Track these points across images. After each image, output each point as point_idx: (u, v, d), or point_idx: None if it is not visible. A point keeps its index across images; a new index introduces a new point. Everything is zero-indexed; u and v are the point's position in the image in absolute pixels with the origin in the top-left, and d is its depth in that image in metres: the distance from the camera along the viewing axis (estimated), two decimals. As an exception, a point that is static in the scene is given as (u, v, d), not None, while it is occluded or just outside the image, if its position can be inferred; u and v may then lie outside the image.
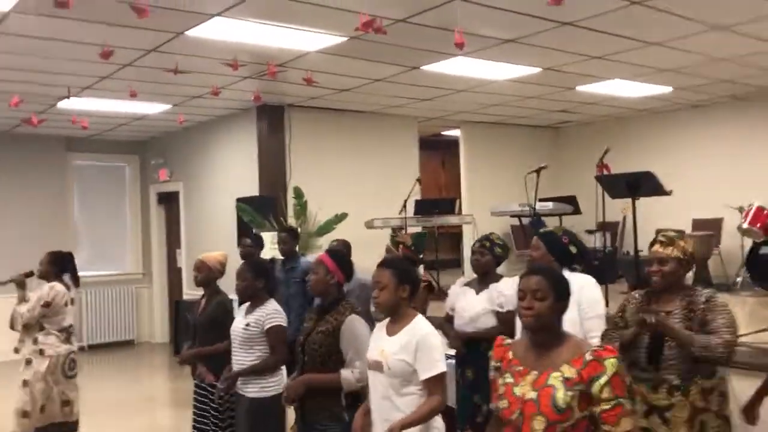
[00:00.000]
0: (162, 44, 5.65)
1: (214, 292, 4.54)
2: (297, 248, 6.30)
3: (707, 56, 6.83)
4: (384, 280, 2.99)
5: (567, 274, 2.94)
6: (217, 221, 9.39)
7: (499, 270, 4.39)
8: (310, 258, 5.61)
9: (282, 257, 6.22)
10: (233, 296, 4.37)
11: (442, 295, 7.54)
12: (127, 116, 8.97)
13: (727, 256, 8.74)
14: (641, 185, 6.32)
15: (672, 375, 3.01)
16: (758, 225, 7.83)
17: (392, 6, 4.93)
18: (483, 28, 5.58)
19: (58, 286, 5.10)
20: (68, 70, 6.39)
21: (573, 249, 3.66)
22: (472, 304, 4.22)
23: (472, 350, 4.17)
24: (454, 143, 11.31)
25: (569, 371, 2.25)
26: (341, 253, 3.80)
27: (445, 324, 4.38)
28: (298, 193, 8.08)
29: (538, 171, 7.75)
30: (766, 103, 9.10)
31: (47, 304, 5.01)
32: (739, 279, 7.99)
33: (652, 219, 7.92)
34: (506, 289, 4.07)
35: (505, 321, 4.01)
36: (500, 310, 4.09)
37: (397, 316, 3.01)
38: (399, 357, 2.89)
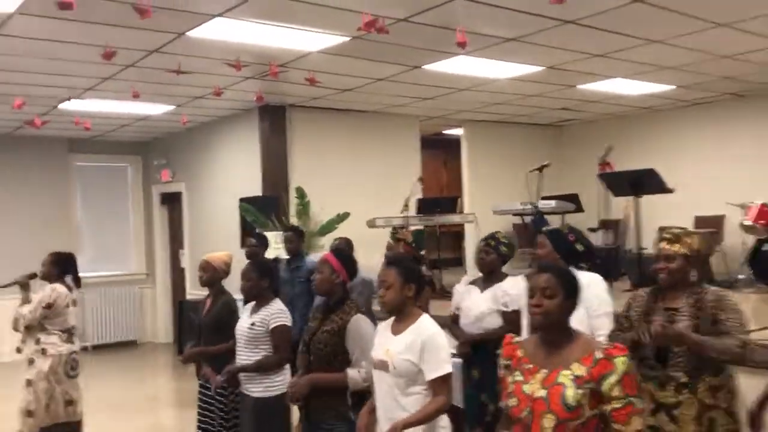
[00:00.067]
0: (164, 45, 5.66)
1: (219, 292, 4.54)
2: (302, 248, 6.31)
3: (709, 53, 6.82)
4: (390, 279, 2.99)
5: (573, 272, 2.94)
6: (219, 221, 9.40)
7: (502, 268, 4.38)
8: (315, 257, 5.62)
9: (287, 257, 6.22)
10: (238, 296, 4.38)
11: (444, 293, 7.59)
12: (129, 117, 8.99)
13: (730, 253, 8.73)
14: (644, 183, 6.34)
15: (679, 372, 2.99)
16: (761, 222, 7.83)
17: (394, 5, 4.93)
18: (485, 27, 5.58)
19: (59, 288, 5.10)
20: (71, 71, 6.40)
21: (579, 247, 3.66)
22: (477, 303, 4.22)
23: (478, 350, 4.17)
24: (455, 142, 11.31)
25: (579, 369, 2.25)
26: (346, 252, 3.80)
27: (453, 326, 4.38)
28: (301, 193, 8.10)
29: (540, 169, 7.76)
30: (769, 100, 9.10)
31: (49, 306, 5.02)
32: (741, 276, 7.98)
33: (654, 217, 7.91)
34: (511, 289, 4.07)
35: (510, 320, 4.01)
36: (505, 309, 4.09)
37: (402, 315, 3.01)
38: (404, 357, 2.89)
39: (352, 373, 3.33)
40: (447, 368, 2.89)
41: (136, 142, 11.18)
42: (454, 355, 3.44)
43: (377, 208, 8.41)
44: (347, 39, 5.68)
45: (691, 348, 2.97)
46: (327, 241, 7.12)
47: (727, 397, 3.02)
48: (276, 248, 6.78)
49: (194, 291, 9.71)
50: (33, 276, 5.31)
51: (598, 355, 2.25)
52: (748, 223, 7.96)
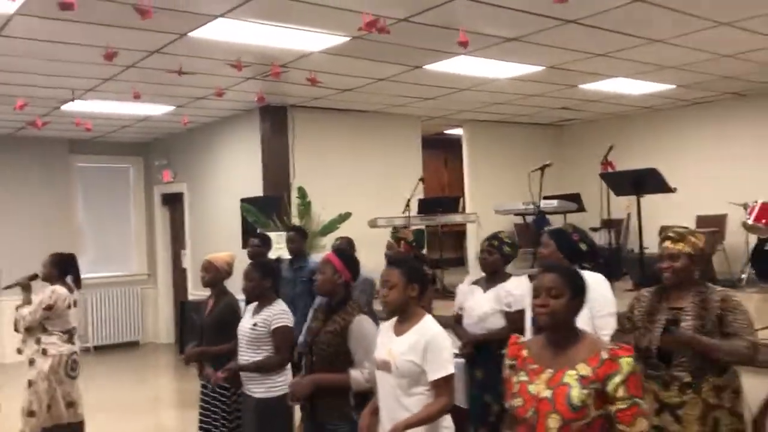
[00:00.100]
0: (165, 45, 5.66)
1: (222, 292, 4.54)
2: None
3: (710, 53, 6.81)
4: (393, 278, 2.98)
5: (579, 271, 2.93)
6: (221, 222, 9.40)
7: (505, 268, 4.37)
8: (319, 258, 5.61)
9: (290, 257, 6.21)
10: (240, 297, 4.38)
11: (446, 293, 7.58)
12: (130, 118, 8.99)
13: (732, 253, 8.72)
14: (646, 182, 6.33)
15: (683, 372, 2.98)
16: (764, 221, 7.82)
17: (394, 5, 4.93)
18: (486, 27, 5.58)
19: (60, 289, 5.10)
20: (72, 72, 6.40)
21: (583, 246, 3.65)
22: (480, 304, 4.21)
23: (481, 351, 4.17)
24: (456, 142, 11.31)
25: (585, 369, 2.24)
26: (348, 252, 3.79)
27: (456, 326, 4.37)
28: (302, 193, 8.09)
29: (542, 169, 7.75)
30: (770, 99, 9.09)
31: (49, 308, 5.02)
32: (744, 275, 7.97)
33: (656, 216, 7.91)
34: (514, 289, 4.06)
35: (513, 320, 4.00)
36: (508, 309, 4.08)
37: (405, 316, 3.00)
38: (407, 357, 2.88)
39: (354, 373, 3.32)
40: (449, 369, 2.88)
41: (138, 143, 11.18)
42: (457, 356, 3.43)
43: (378, 208, 8.41)
44: (348, 39, 5.68)
45: (702, 351, 2.95)
46: (328, 241, 7.12)
47: (731, 396, 3.01)
48: (278, 248, 6.78)
49: (196, 291, 9.71)
50: (34, 277, 5.32)
51: (604, 355, 2.24)
52: (750, 222, 7.95)
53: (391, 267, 3.04)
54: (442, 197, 10.48)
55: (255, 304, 4.04)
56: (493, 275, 4.24)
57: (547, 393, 2.28)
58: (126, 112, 8.52)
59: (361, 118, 9.20)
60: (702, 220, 9.12)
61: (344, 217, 7.92)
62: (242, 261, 4.82)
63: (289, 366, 4.05)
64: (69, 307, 5.14)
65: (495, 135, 10.83)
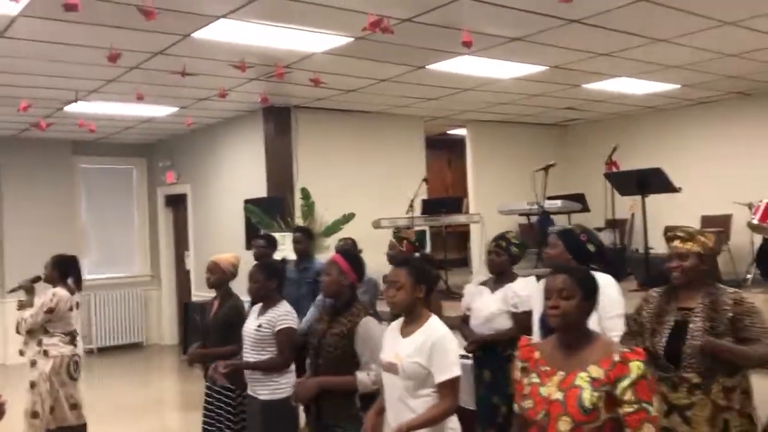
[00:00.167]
0: (169, 47, 5.66)
1: (227, 294, 4.53)
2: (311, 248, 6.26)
3: (715, 52, 6.79)
4: (401, 279, 2.96)
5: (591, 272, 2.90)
6: (224, 223, 9.40)
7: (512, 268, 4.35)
8: (324, 259, 5.59)
9: (295, 257, 6.18)
10: (245, 298, 4.37)
11: (450, 294, 7.57)
12: (134, 119, 8.99)
13: (737, 253, 8.69)
14: (651, 182, 6.30)
15: (692, 373, 2.96)
16: (768, 221, 7.78)
17: (398, 5, 4.92)
18: (489, 27, 5.57)
19: (61, 292, 5.10)
20: (76, 73, 6.40)
21: (591, 247, 3.62)
22: (487, 304, 4.19)
23: (488, 352, 4.15)
24: (460, 142, 11.29)
25: (596, 372, 2.22)
26: (354, 254, 3.77)
27: (463, 326, 4.36)
28: (306, 194, 8.08)
29: (546, 169, 7.73)
30: (775, 99, 9.06)
31: (50, 310, 5.02)
32: (749, 276, 7.94)
33: (660, 216, 7.88)
34: (521, 290, 4.04)
35: (520, 321, 3.98)
36: (515, 310, 4.06)
37: (412, 317, 2.98)
38: (413, 359, 2.86)
39: (361, 376, 3.30)
40: (455, 371, 2.86)
41: (141, 144, 11.19)
42: (462, 357, 3.41)
43: (382, 208, 8.39)
44: (351, 40, 5.67)
45: (734, 360, 2.93)
46: (332, 242, 7.11)
47: (741, 398, 2.97)
48: (283, 249, 6.75)
49: (199, 293, 9.70)
50: (37, 279, 5.32)
51: (616, 358, 2.22)
52: (755, 222, 7.92)
53: (399, 267, 3.01)
54: (445, 198, 10.45)
55: (260, 305, 4.03)
56: (501, 276, 4.21)
57: (558, 395, 2.26)
58: (129, 114, 8.52)
59: (364, 119, 9.20)
60: (707, 220, 9.08)
61: (348, 218, 7.91)
62: (247, 262, 4.81)
63: (293, 367, 4.04)
64: (71, 309, 5.14)
65: (498, 135, 10.81)
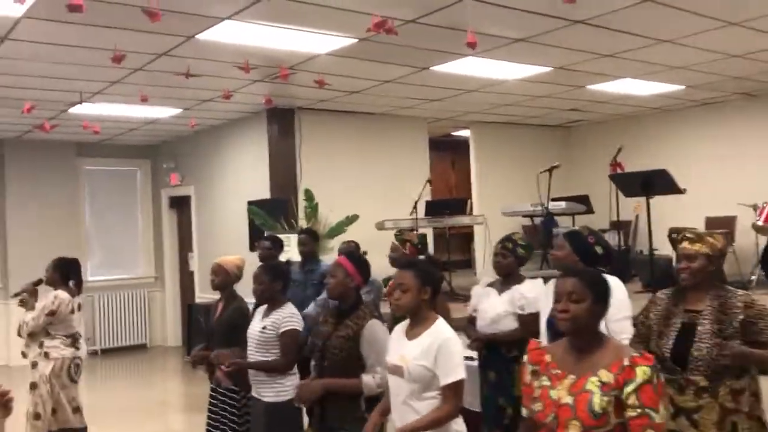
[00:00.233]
0: (173, 48, 5.66)
1: (231, 296, 4.52)
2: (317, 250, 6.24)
3: (720, 53, 6.78)
4: (407, 281, 2.94)
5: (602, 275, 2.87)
6: (228, 224, 9.40)
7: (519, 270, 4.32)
8: (329, 260, 5.57)
9: (299, 259, 6.16)
10: (249, 300, 4.36)
11: (454, 296, 7.56)
12: (138, 121, 9.00)
13: (742, 254, 8.66)
14: (655, 183, 6.28)
15: (699, 376, 2.94)
16: (773, 222, 7.77)
17: (401, 7, 4.91)
18: (493, 28, 5.56)
19: (62, 295, 5.10)
20: (80, 75, 6.41)
21: (599, 249, 3.59)
22: (493, 306, 4.18)
23: (493, 352, 4.14)
24: (463, 144, 11.29)
25: (607, 376, 2.20)
26: (359, 256, 3.76)
27: (468, 326, 4.35)
28: (309, 196, 8.08)
29: (550, 170, 7.72)
30: (780, 100, 9.04)
31: (52, 313, 5.02)
32: (753, 277, 7.92)
33: (665, 217, 7.85)
34: (528, 292, 4.02)
35: (526, 323, 3.97)
36: (521, 312, 4.04)
37: (417, 319, 2.97)
38: (419, 362, 2.84)
39: (366, 378, 3.29)
40: (460, 374, 2.84)
41: (145, 146, 11.20)
42: (467, 358, 3.39)
43: (386, 210, 8.40)
44: (355, 41, 5.67)
45: (756, 364, 2.91)
46: (336, 243, 7.10)
47: (749, 400, 2.95)
48: (288, 250, 6.73)
49: (203, 294, 9.71)
50: (39, 282, 5.32)
51: (626, 362, 2.19)
52: (760, 223, 7.90)
53: (405, 270, 3.00)
54: (449, 199, 10.45)
55: (265, 306, 4.02)
56: (508, 278, 4.19)
57: (568, 399, 2.23)
58: (133, 115, 8.53)
59: (368, 120, 9.19)
60: (711, 222, 9.06)
61: (351, 220, 7.90)
62: (251, 263, 4.80)
63: (296, 369, 4.03)
64: (72, 311, 5.14)
65: (502, 136, 10.80)
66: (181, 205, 10.96)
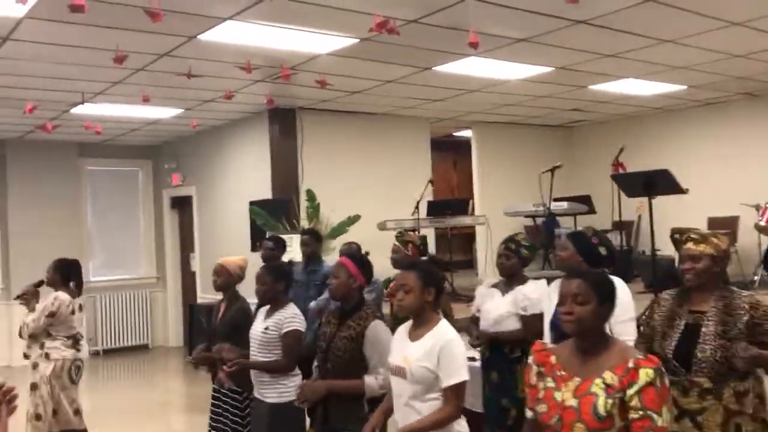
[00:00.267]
0: (174, 48, 5.66)
1: (234, 297, 4.51)
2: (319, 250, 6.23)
3: (722, 53, 6.76)
4: (410, 282, 2.92)
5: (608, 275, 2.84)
6: (230, 225, 9.40)
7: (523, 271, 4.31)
8: (331, 261, 5.56)
9: (301, 260, 6.15)
10: (252, 300, 4.35)
11: (455, 296, 7.55)
12: (140, 121, 9.00)
13: (744, 255, 8.65)
14: (657, 184, 6.25)
15: (703, 378, 2.92)
16: (776, 223, 7.76)
17: (403, 7, 4.91)
18: (495, 28, 5.55)
19: (62, 296, 5.09)
20: (81, 75, 6.41)
21: (603, 251, 3.57)
22: (496, 306, 4.17)
23: (496, 353, 4.13)
24: (465, 144, 11.28)
25: (611, 378, 2.18)
26: (362, 256, 3.75)
27: (471, 325, 4.34)
28: (311, 196, 8.08)
29: (552, 170, 7.71)
30: (782, 100, 9.02)
31: (52, 314, 5.01)
32: (756, 277, 7.91)
33: (667, 218, 7.83)
34: (531, 293, 4.01)
35: (528, 324, 3.96)
36: (524, 313, 4.03)
37: (420, 320, 2.96)
38: (422, 364, 2.84)
39: (369, 380, 3.28)
40: (462, 376, 2.83)
41: (147, 146, 11.21)
42: (470, 359, 3.38)
43: (387, 210, 8.39)
44: (357, 41, 5.66)
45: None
46: (338, 244, 7.10)
47: (753, 402, 2.93)
48: (290, 251, 6.72)
49: (205, 295, 9.71)
50: (40, 284, 5.32)
51: (630, 364, 2.17)
52: (763, 223, 7.89)
53: (408, 271, 2.98)
54: (451, 199, 10.45)
55: (267, 307, 4.01)
56: (512, 279, 4.17)
57: (573, 402, 2.21)
58: (135, 115, 8.53)
59: (369, 121, 9.19)
60: (714, 222, 9.05)
61: (353, 220, 7.90)
62: (253, 264, 4.80)
63: (299, 370, 4.02)
64: (72, 312, 5.12)
65: (504, 137, 10.79)
66: (182, 205, 10.96)
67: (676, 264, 3.27)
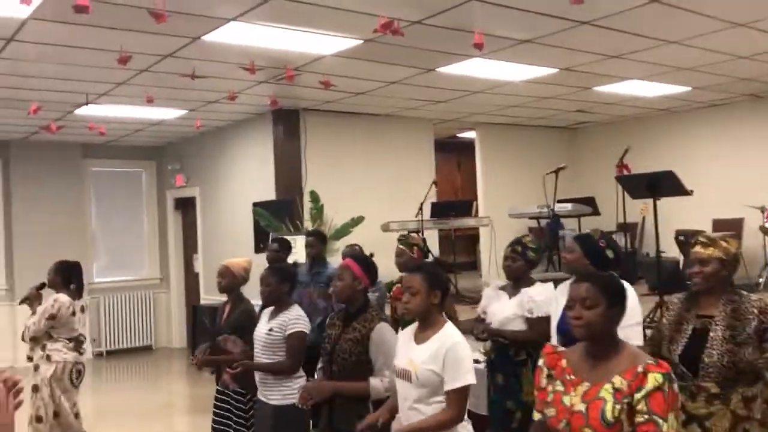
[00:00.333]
0: (178, 49, 5.66)
1: (238, 298, 4.51)
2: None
3: (727, 54, 6.74)
4: (415, 285, 2.90)
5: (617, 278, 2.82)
6: (233, 226, 9.40)
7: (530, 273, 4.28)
8: (335, 263, 5.53)
9: (304, 261, 6.13)
10: (255, 301, 4.34)
11: (459, 298, 7.54)
12: (143, 122, 9.01)
13: (749, 257, 8.61)
14: (662, 185, 6.24)
15: (710, 383, 2.89)
16: (781, 224, 7.73)
17: (407, 8, 4.90)
18: (499, 29, 5.54)
19: (62, 298, 5.08)
20: (86, 76, 6.41)
21: (609, 253, 3.55)
22: (502, 309, 4.14)
23: (501, 355, 4.11)
24: (469, 145, 11.27)
25: (620, 383, 2.16)
26: (366, 258, 3.74)
27: (476, 324, 4.32)
28: (315, 197, 8.07)
29: (556, 172, 7.69)
30: (787, 101, 9.00)
31: (52, 317, 5.01)
32: (761, 279, 7.89)
33: (672, 219, 7.83)
34: (537, 295, 3.99)
35: (534, 326, 3.94)
36: (529, 315, 4.01)
37: (426, 323, 2.94)
38: (427, 367, 2.82)
39: (374, 382, 3.27)
40: (467, 380, 2.81)
41: (150, 147, 11.21)
42: (475, 361, 3.36)
43: (391, 211, 8.38)
44: (361, 42, 5.66)
45: None
46: (341, 245, 7.09)
47: (762, 407, 2.90)
48: (294, 252, 6.71)
49: (208, 296, 9.71)
50: (42, 286, 5.32)
51: (640, 369, 2.15)
52: (768, 225, 7.87)
53: (413, 273, 2.96)
54: (455, 201, 10.44)
55: (271, 308, 4.00)
56: (519, 281, 4.15)
57: (581, 406, 2.20)
58: (139, 116, 8.54)
59: (373, 122, 9.18)
60: (718, 224, 9.02)
61: (357, 221, 7.89)
62: (257, 265, 4.79)
63: (302, 372, 4.01)
64: (73, 314, 5.11)
65: (508, 138, 10.78)
66: (186, 206, 10.97)
67: (681, 266, 3.26)
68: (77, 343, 5.16)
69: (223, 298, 4.64)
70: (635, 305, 3.37)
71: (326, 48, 5.82)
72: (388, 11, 4.74)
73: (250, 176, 9.14)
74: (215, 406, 4.48)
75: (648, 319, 3.25)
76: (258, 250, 8.17)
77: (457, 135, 11.83)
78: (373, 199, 8.64)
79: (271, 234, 7.63)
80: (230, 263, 4.55)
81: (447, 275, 4.97)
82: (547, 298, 3.84)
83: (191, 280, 10.95)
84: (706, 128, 9.95)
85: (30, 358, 5.19)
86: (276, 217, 8.02)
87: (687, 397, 2.92)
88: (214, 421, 4.46)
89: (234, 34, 5.28)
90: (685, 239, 8.24)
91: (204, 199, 10.31)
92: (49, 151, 10.13)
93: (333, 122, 8.81)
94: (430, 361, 2.82)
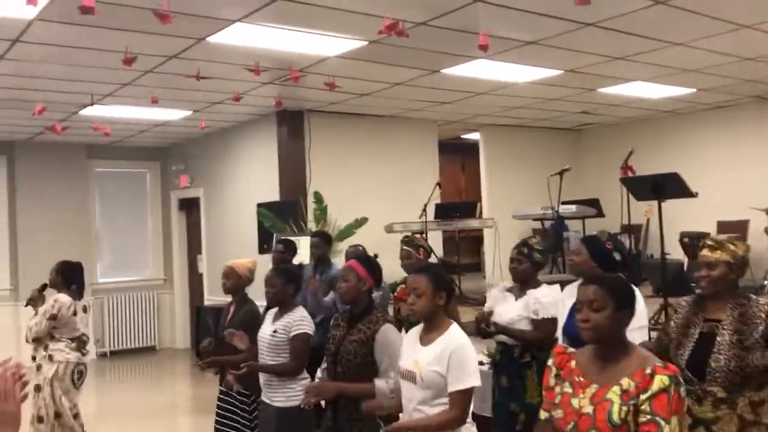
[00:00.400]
0: (183, 50, 5.67)
1: (243, 299, 4.51)
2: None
3: (732, 56, 6.73)
4: (421, 286, 2.90)
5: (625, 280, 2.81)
6: (237, 227, 9.41)
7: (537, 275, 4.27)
8: (340, 264, 5.53)
9: (308, 262, 6.13)
10: (260, 302, 4.34)
11: (463, 299, 7.53)
12: (148, 123, 9.02)
13: (754, 259, 8.54)
14: (667, 187, 6.22)
15: (717, 387, 2.87)
16: (786, 227, 7.71)
17: (412, 9, 4.90)
18: (504, 30, 5.54)
19: (62, 298, 5.08)
20: (91, 77, 6.42)
21: (617, 256, 3.53)
22: (508, 310, 4.13)
23: (506, 357, 4.10)
24: (473, 146, 11.27)
25: (628, 384, 2.15)
26: (371, 259, 3.73)
27: (476, 321, 4.30)
28: (319, 198, 8.08)
29: (561, 173, 7.69)
30: (792, 103, 8.98)
31: (53, 317, 5.01)
32: (766, 282, 7.85)
33: (676, 221, 7.81)
34: (543, 297, 3.98)
35: (539, 328, 3.93)
36: (535, 317, 4.00)
37: (432, 324, 2.93)
38: (432, 368, 2.81)
39: (379, 383, 3.26)
40: (471, 382, 2.80)
41: (155, 148, 11.23)
42: (481, 363, 3.36)
43: (395, 213, 8.38)
44: (365, 43, 5.66)
45: None
46: (345, 246, 7.09)
47: None
48: (298, 253, 6.70)
49: (212, 297, 9.72)
50: (44, 287, 5.32)
51: (647, 371, 2.14)
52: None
53: (419, 274, 2.96)
54: (459, 202, 10.43)
55: (275, 310, 4.00)
56: (525, 283, 4.13)
57: (589, 409, 2.19)
58: (144, 117, 8.55)
59: (377, 123, 9.18)
60: (723, 226, 9.00)
61: (361, 222, 7.89)
62: (262, 266, 4.80)
63: (306, 374, 4.01)
64: (75, 314, 5.11)
65: (513, 139, 10.77)
66: (190, 206, 10.98)
67: (685, 268, 3.24)
68: (80, 343, 5.16)
69: (228, 298, 4.64)
70: (641, 309, 3.35)
71: (331, 49, 5.83)
72: (392, 12, 4.74)
73: (254, 177, 9.15)
74: (218, 407, 4.48)
75: (652, 322, 3.23)
76: (262, 250, 8.17)
77: (462, 136, 11.83)
78: (377, 200, 8.64)
79: (275, 235, 7.62)
80: (235, 264, 4.55)
81: (451, 276, 4.96)
82: (554, 300, 3.83)
83: (195, 280, 10.96)
84: (711, 130, 9.93)
85: (34, 358, 5.20)
86: (280, 217, 8.02)
87: (693, 401, 2.91)
88: (217, 422, 4.46)
89: (239, 36, 5.29)
90: (690, 241, 8.24)
91: (208, 199, 10.32)
92: (54, 152, 10.15)
93: (337, 123, 8.81)
94: (435, 362, 2.82)
